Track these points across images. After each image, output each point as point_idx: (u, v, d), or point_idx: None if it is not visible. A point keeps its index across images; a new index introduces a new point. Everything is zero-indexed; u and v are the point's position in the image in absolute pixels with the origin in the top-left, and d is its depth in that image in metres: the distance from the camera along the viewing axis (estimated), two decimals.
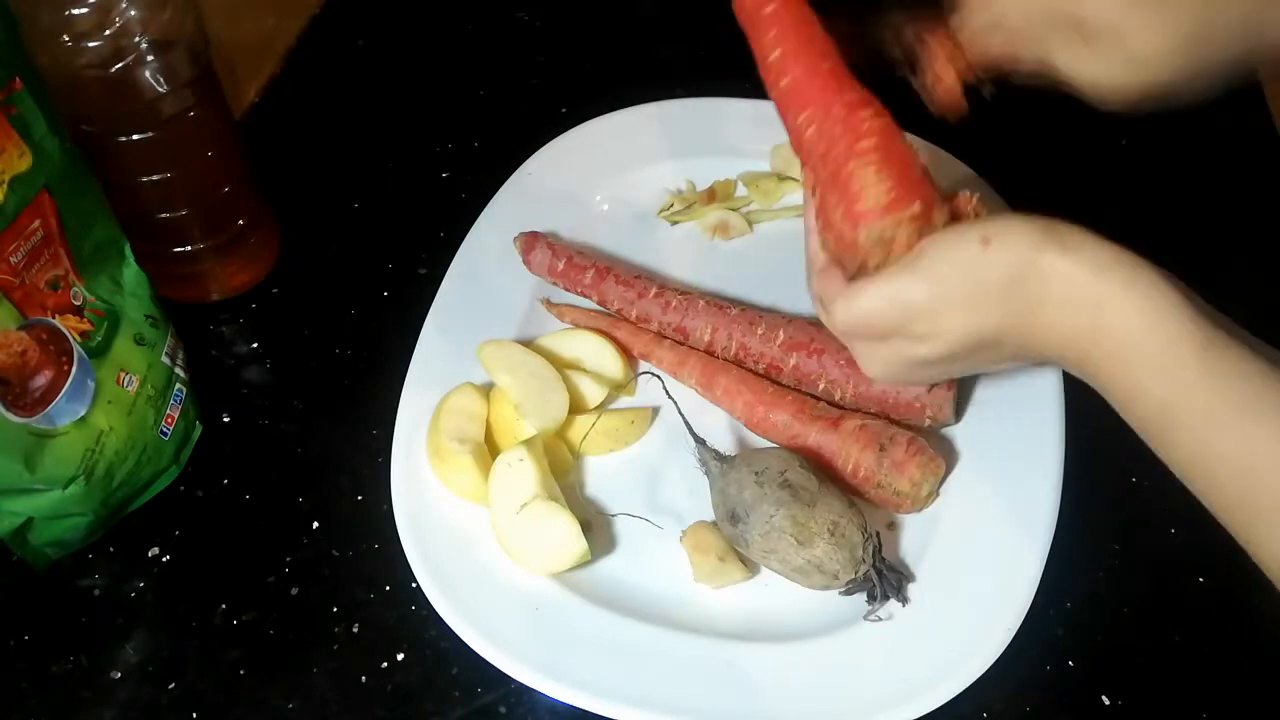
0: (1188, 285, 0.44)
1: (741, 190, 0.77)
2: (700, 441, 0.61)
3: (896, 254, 0.49)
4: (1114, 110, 0.53)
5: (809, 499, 0.55)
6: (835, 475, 0.60)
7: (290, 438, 0.67)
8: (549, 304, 0.71)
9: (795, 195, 0.76)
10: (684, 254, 0.75)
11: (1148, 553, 0.60)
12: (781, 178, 0.76)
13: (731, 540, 0.57)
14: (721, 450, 0.60)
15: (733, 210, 0.75)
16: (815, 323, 0.65)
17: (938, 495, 0.60)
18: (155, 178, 0.66)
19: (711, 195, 0.76)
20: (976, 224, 0.47)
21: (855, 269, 0.51)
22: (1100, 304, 0.43)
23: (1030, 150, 0.78)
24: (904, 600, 0.56)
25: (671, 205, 0.76)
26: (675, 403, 0.62)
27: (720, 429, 0.65)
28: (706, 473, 0.60)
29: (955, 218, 0.50)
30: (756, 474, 0.56)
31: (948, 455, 0.62)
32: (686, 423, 0.61)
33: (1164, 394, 0.42)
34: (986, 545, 0.58)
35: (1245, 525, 0.42)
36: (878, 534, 0.55)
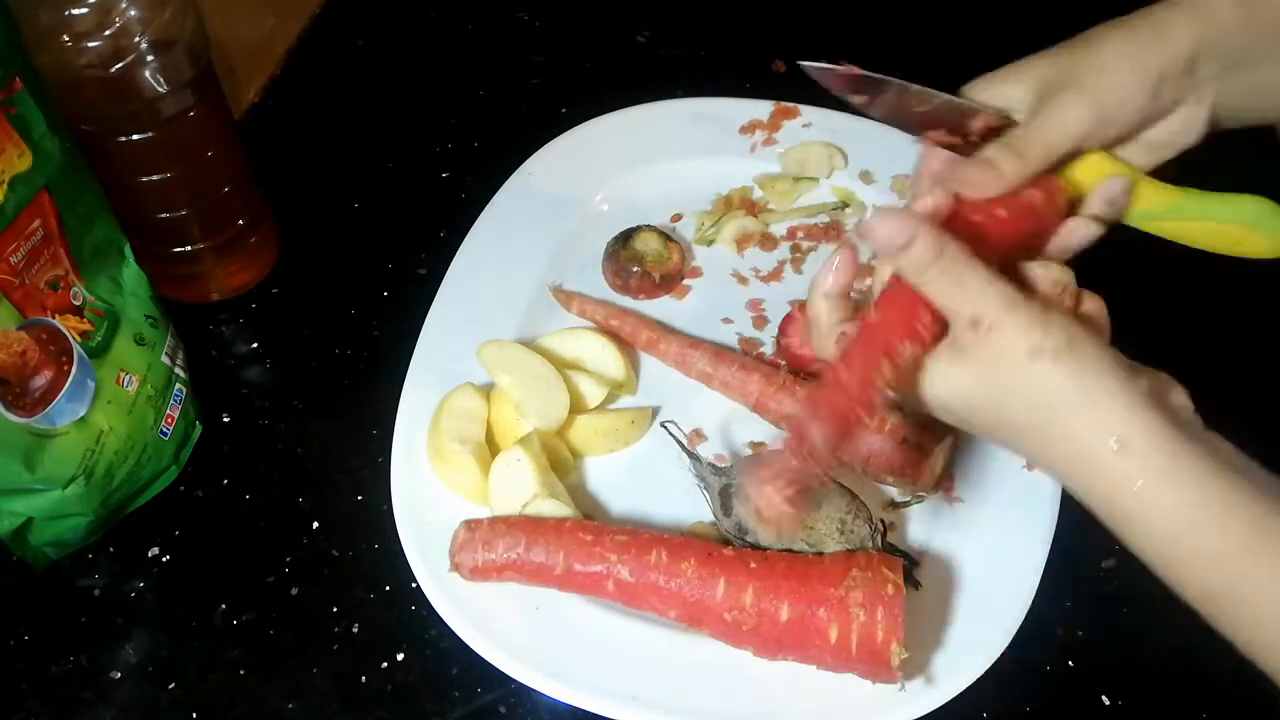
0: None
1: (758, 193, 0.77)
2: (695, 457, 0.60)
3: None
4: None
5: (814, 502, 0.55)
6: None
7: (290, 438, 0.67)
8: (557, 290, 0.71)
9: (810, 194, 0.77)
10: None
11: None
12: (796, 178, 0.77)
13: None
14: (717, 463, 0.60)
15: (752, 217, 0.75)
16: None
17: (943, 485, 0.60)
18: (155, 178, 0.66)
19: (729, 204, 0.76)
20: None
21: None
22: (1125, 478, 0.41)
23: None
24: (916, 584, 0.56)
25: (703, 225, 0.75)
26: (678, 438, 0.61)
27: (718, 429, 0.65)
28: (705, 488, 0.59)
29: None
30: None
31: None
32: (682, 445, 0.61)
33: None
34: (987, 545, 0.58)
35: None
36: (883, 521, 0.56)
